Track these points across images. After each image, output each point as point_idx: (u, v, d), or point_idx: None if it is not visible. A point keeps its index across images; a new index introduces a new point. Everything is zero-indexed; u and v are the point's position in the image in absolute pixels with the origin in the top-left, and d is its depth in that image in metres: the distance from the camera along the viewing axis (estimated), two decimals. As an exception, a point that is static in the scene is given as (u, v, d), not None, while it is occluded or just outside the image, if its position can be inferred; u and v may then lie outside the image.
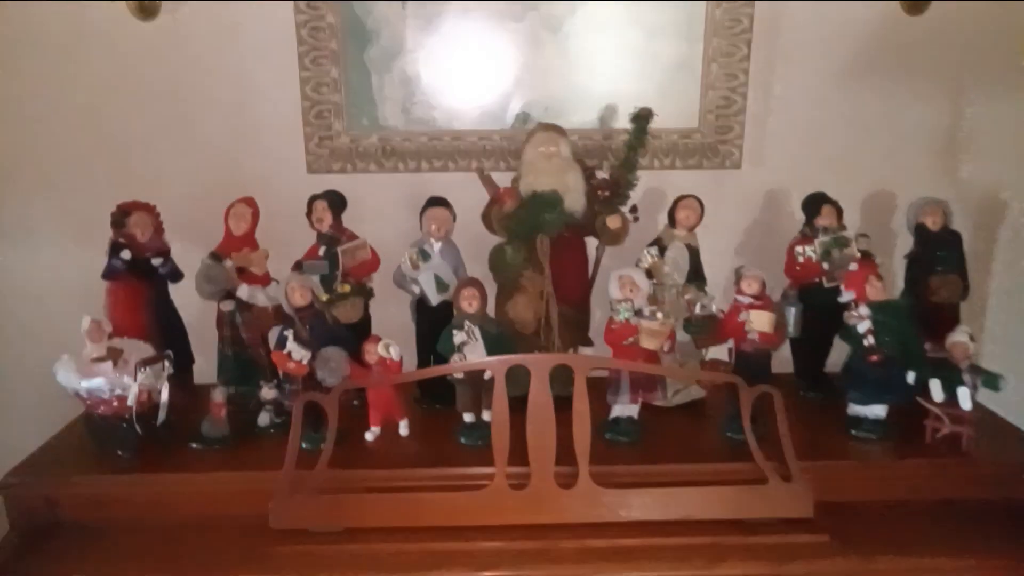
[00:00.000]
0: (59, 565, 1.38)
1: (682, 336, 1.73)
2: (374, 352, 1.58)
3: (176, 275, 1.79)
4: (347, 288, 1.70)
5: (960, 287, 1.74)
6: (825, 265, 1.73)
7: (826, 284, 1.73)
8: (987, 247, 2.03)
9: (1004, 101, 1.91)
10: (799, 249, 1.76)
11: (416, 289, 1.72)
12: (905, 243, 1.85)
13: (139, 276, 1.74)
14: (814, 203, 1.78)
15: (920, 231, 1.78)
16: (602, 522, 1.44)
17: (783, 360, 1.89)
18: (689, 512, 1.45)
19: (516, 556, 1.39)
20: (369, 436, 1.64)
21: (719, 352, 1.71)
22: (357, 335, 1.66)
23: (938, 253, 1.76)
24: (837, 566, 1.38)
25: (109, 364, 1.55)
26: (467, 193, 1.80)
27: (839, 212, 1.77)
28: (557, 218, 1.67)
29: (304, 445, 1.52)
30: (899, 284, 1.84)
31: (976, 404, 1.66)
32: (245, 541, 1.41)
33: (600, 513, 1.44)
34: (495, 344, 1.58)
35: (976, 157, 1.96)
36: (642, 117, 1.71)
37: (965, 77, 1.90)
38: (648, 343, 1.57)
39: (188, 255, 1.77)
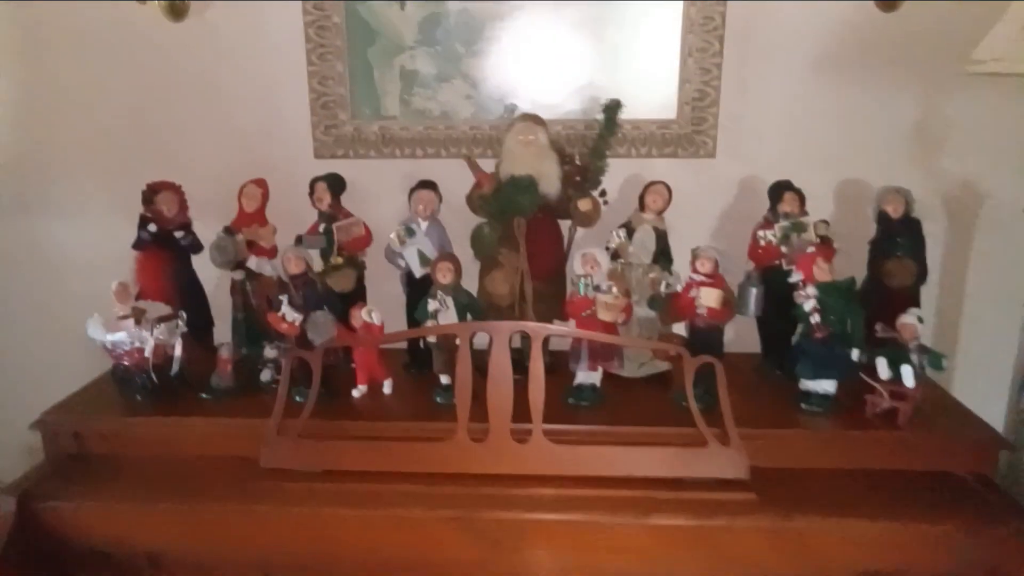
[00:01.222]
0: (82, 487, 1.62)
1: (647, 312, 1.86)
2: (359, 317, 1.77)
3: (196, 247, 2.00)
4: (340, 260, 1.89)
5: (914, 272, 1.82)
6: (784, 249, 1.83)
7: (785, 267, 1.83)
8: (965, 238, 2.08)
9: (975, 94, 1.96)
10: (761, 233, 1.86)
11: (402, 263, 1.90)
12: (878, 231, 1.94)
13: (164, 247, 1.96)
14: (777, 190, 1.88)
15: (882, 218, 1.86)
16: (551, 475, 1.59)
17: (755, 342, 2.00)
18: (631, 470, 1.59)
19: (470, 499, 1.55)
20: (356, 394, 1.82)
21: (682, 328, 1.84)
22: (350, 303, 1.85)
23: (897, 239, 1.83)
24: (756, 522, 1.49)
25: (131, 321, 1.78)
26: (458, 178, 1.97)
27: (801, 199, 1.87)
28: (531, 201, 1.82)
29: (297, 398, 1.72)
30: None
31: (928, 383, 1.75)
32: (238, 476, 1.61)
33: (549, 466, 1.59)
34: (465, 312, 1.75)
35: (950, 149, 2.02)
36: (611, 108, 1.85)
37: (937, 71, 1.96)
38: (604, 315, 1.71)
39: (209, 229, 1.98)
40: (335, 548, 1.56)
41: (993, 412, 1.74)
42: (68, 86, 2.13)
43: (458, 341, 1.72)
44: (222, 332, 2.05)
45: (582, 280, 1.72)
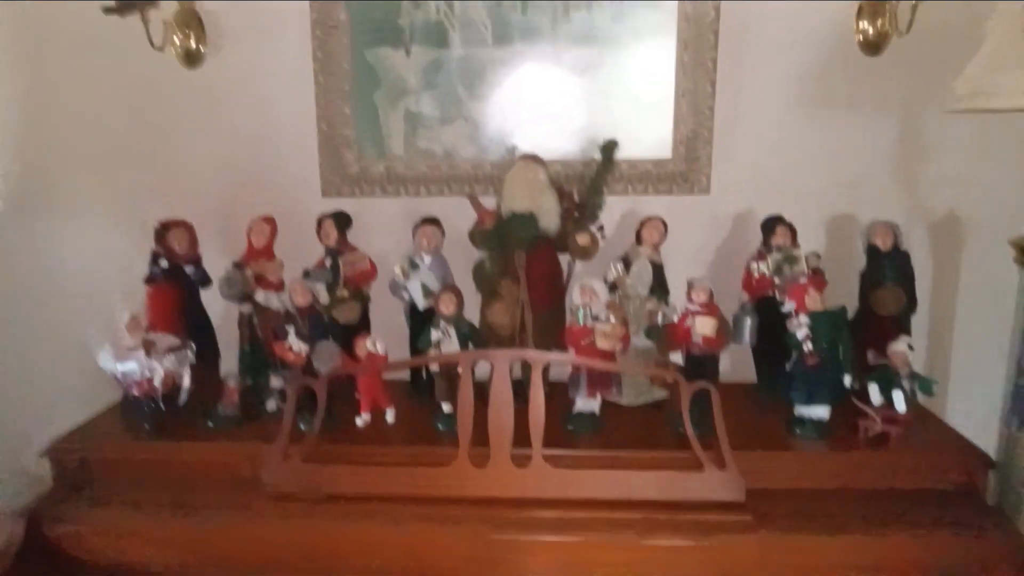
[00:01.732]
0: (89, 509, 1.66)
1: (644, 343, 1.91)
2: (363, 347, 1.82)
3: (206, 281, 2.06)
4: (346, 293, 1.94)
5: (904, 300, 1.87)
6: (777, 280, 1.88)
7: (777, 297, 1.88)
8: (952, 268, 2.14)
9: (956, 129, 2.04)
10: (754, 265, 1.92)
11: (406, 296, 1.96)
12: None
13: (174, 281, 2.02)
14: (770, 224, 1.95)
15: (871, 250, 1.92)
16: (550, 498, 1.61)
17: (751, 370, 2.04)
18: (629, 492, 1.61)
19: (471, 521, 1.58)
20: (359, 421, 1.86)
21: (678, 358, 1.89)
22: (355, 335, 1.90)
23: (887, 271, 1.89)
24: (753, 540, 1.52)
25: (142, 352, 1.83)
26: (460, 215, 2.04)
27: (793, 232, 1.94)
28: (531, 235, 1.88)
29: (302, 426, 1.75)
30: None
31: (918, 407, 1.79)
32: (242, 499, 1.63)
33: (549, 490, 1.62)
34: (467, 342, 1.80)
35: (935, 183, 2.10)
36: (608, 147, 1.93)
37: (918, 108, 2.05)
38: (603, 343, 1.75)
39: (218, 263, 2.04)
40: (336, 567, 1.58)
41: (986, 435, 1.77)
42: (76, 122, 2.22)
43: (460, 369, 1.79)
44: (228, 364, 2.09)
45: (581, 310, 1.78)
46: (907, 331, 1.87)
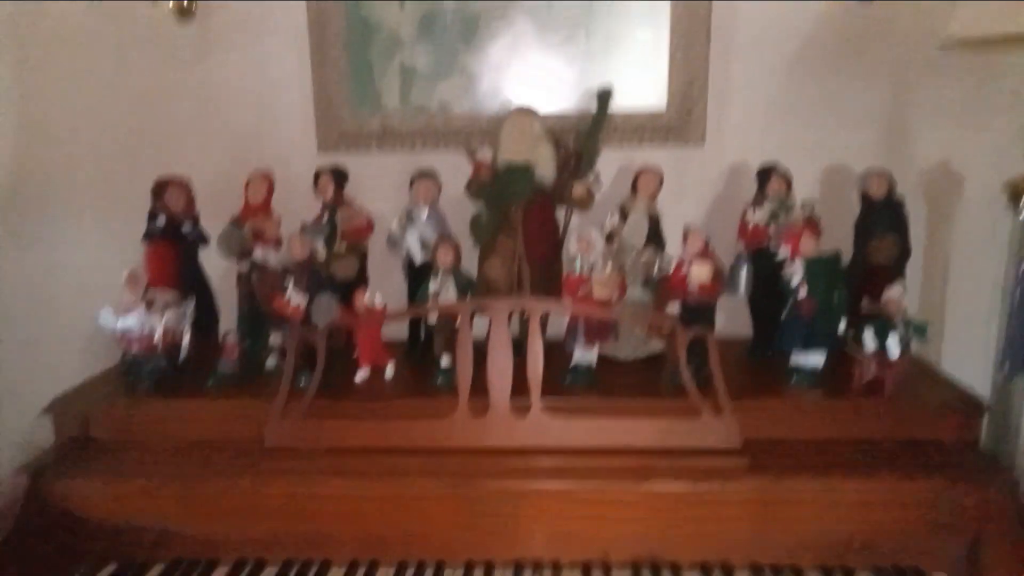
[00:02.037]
0: (92, 467, 1.67)
1: (640, 296, 1.92)
2: (362, 301, 1.82)
3: (203, 239, 2.06)
4: (343, 248, 1.95)
5: (897, 248, 1.88)
6: (772, 228, 1.89)
7: (772, 247, 1.88)
8: (946, 218, 2.15)
9: (949, 78, 2.04)
10: (749, 214, 1.92)
11: (403, 250, 1.96)
12: (863, 214, 2.00)
13: (172, 240, 2.02)
14: (765, 172, 1.95)
15: (865, 198, 1.93)
16: (549, 447, 1.63)
17: (747, 324, 2.06)
18: (627, 440, 1.63)
19: (472, 471, 1.59)
20: (358, 377, 1.87)
21: (675, 310, 1.90)
22: (353, 290, 1.91)
23: (880, 219, 1.90)
24: (749, 485, 1.54)
25: (142, 307, 1.84)
26: (456, 169, 2.03)
27: (788, 181, 1.93)
28: (526, 187, 1.88)
29: (301, 383, 1.77)
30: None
31: (915, 358, 1.80)
32: (243, 456, 1.64)
33: (547, 439, 1.63)
34: (465, 293, 1.80)
35: (928, 133, 2.10)
36: (604, 95, 1.92)
37: (911, 56, 2.04)
38: (600, 292, 1.76)
39: (214, 222, 2.04)
40: (338, 521, 1.60)
41: (981, 382, 1.79)
42: (67, 81, 2.21)
43: (458, 321, 1.80)
44: (227, 325, 2.10)
45: (577, 259, 1.78)
46: (901, 279, 1.88)
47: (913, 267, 1.97)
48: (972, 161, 2.10)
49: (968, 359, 2.08)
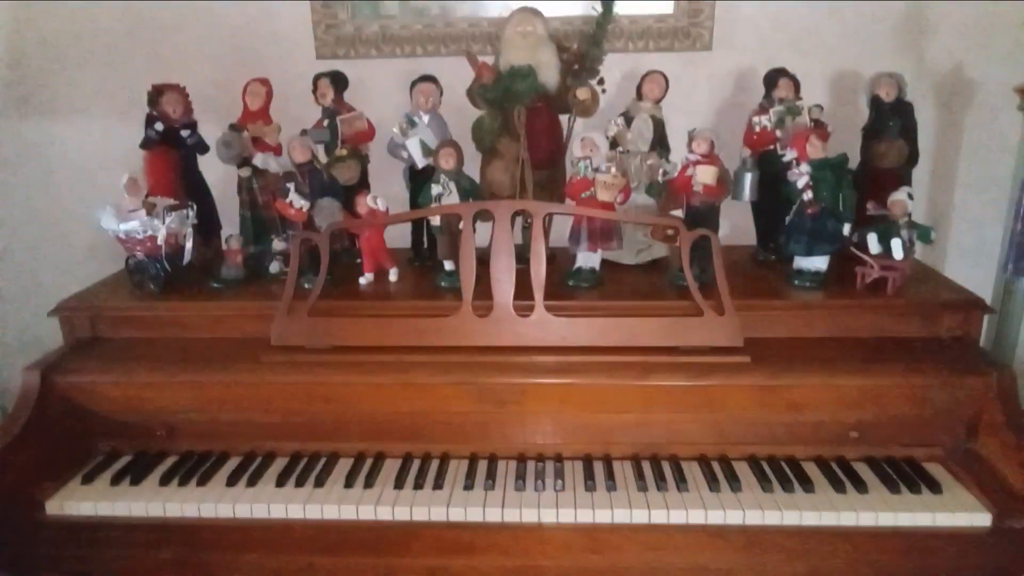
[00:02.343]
0: (101, 363, 1.69)
1: (645, 200, 1.91)
2: (364, 204, 1.82)
3: (202, 146, 2.04)
4: (344, 152, 1.93)
5: (906, 152, 1.86)
6: (779, 133, 1.87)
7: (779, 151, 1.87)
8: (955, 124, 2.13)
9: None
10: (756, 119, 1.90)
11: (405, 155, 1.94)
12: (872, 120, 1.97)
13: (171, 146, 2.00)
14: (772, 77, 1.92)
15: (875, 102, 1.90)
16: (552, 346, 1.65)
17: (751, 232, 2.05)
18: (630, 339, 1.64)
19: (474, 367, 1.61)
20: (363, 281, 1.88)
21: (679, 215, 1.89)
22: (353, 194, 1.90)
23: (889, 123, 1.87)
24: (749, 379, 1.56)
25: (143, 211, 1.83)
26: (457, 74, 2.00)
27: (796, 85, 1.91)
28: (529, 88, 1.84)
29: (306, 285, 1.77)
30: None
31: (915, 260, 1.81)
32: (250, 353, 1.66)
33: (551, 338, 1.64)
34: (468, 196, 1.79)
35: (940, 38, 2.06)
36: (608, -5, 1.88)
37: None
38: (603, 195, 1.75)
39: (213, 132, 2.01)
40: (344, 414, 1.63)
41: (983, 289, 1.80)
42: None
43: (461, 226, 1.80)
44: (228, 232, 2.10)
45: (581, 162, 1.77)
46: (908, 183, 1.87)
47: (921, 171, 1.96)
48: (984, 66, 2.06)
49: (973, 263, 2.09)
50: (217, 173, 2.07)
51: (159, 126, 1.98)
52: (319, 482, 1.55)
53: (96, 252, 2.16)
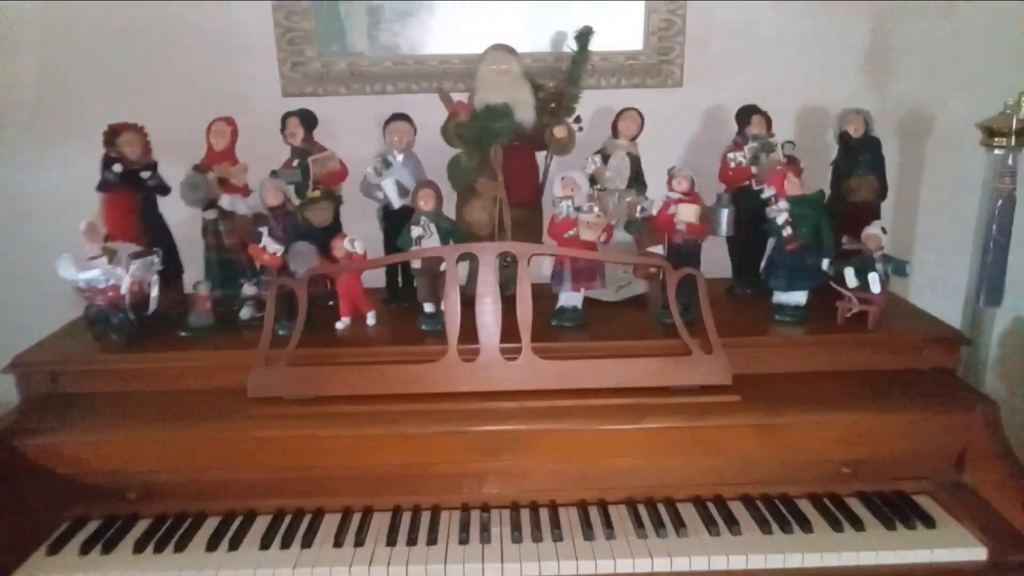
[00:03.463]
0: (66, 422, 1.58)
1: (624, 237, 1.90)
2: (341, 247, 1.76)
3: (164, 188, 1.95)
4: (317, 193, 1.87)
5: (877, 187, 1.90)
6: (754, 169, 1.89)
7: (755, 187, 1.89)
8: (917, 157, 2.19)
9: (926, 22, 2.06)
10: (731, 156, 1.92)
11: (380, 195, 1.89)
12: (838, 155, 2.02)
13: (130, 188, 1.91)
14: (745, 113, 1.95)
15: (843, 138, 1.94)
16: (542, 389, 1.62)
17: (724, 267, 2.06)
18: (619, 380, 1.63)
19: (464, 414, 1.57)
20: (339, 326, 1.82)
21: (659, 251, 1.88)
22: (328, 237, 1.84)
23: (859, 158, 1.92)
24: (744, 420, 1.56)
25: (104, 259, 1.74)
26: (429, 112, 1.97)
27: (768, 122, 1.94)
28: (507, 127, 1.83)
29: (280, 332, 1.70)
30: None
31: (888, 292, 1.84)
32: (225, 407, 1.59)
33: (540, 381, 1.62)
34: (448, 238, 1.76)
35: (902, 75, 2.13)
36: (584, 35, 1.88)
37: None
38: (586, 234, 1.74)
39: (174, 173, 1.93)
40: (331, 467, 1.56)
41: (945, 315, 1.84)
42: (24, 22, 2.06)
43: (442, 267, 1.76)
44: (192, 278, 2.01)
45: (564, 202, 1.75)
46: (878, 217, 1.91)
47: (885, 204, 2.00)
48: (944, 101, 2.13)
49: (934, 293, 2.14)
50: (179, 215, 1.99)
51: (117, 167, 1.89)
52: (306, 542, 1.47)
53: (49, 298, 2.03)
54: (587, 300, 1.87)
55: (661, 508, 1.55)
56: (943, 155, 2.18)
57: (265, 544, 1.47)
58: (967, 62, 2.12)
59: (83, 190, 1.92)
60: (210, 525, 1.53)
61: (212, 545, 1.47)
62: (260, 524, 1.53)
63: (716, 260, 2.07)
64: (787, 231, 1.75)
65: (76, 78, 2.10)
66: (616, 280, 1.94)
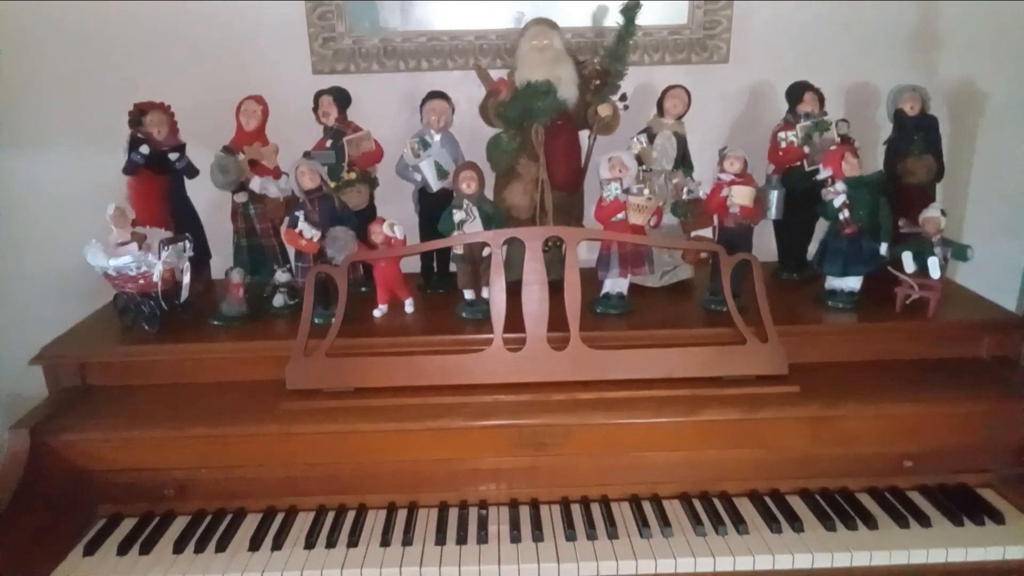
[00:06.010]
0: (97, 418, 1.52)
1: (670, 220, 1.83)
2: (379, 232, 1.69)
3: (191, 170, 1.88)
4: (353, 175, 1.80)
5: (935, 167, 1.82)
6: (806, 149, 1.81)
7: (807, 167, 1.81)
8: (968, 135, 2.11)
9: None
10: (781, 135, 1.84)
11: (418, 177, 1.82)
12: (887, 134, 1.93)
13: (157, 171, 1.84)
14: (797, 90, 1.86)
15: (899, 116, 1.86)
16: (591, 380, 1.56)
17: (768, 251, 1.99)
18: (671, 370, 1.56)
19: (512, 407, 1.51)
20: (377, 313, 1.75)
21: (707, 235, 1.81)
22: (363, 221, 1.77)
23: (915, 137, 1.83)
24: (803, 412, 1.49)
25: (134, 245, 1.68)
26: (465, 90, 1.89)
27: (821, 99, 1.86)
28: (549, 106, 1.75)
29: (316, 320, 1.64)
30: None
31: (945, 278, 1.77)
32: (263, 400, 1.53)
33: (589, 372, 1.56)
34: (492, 222, 1.69)
35: (950, 49, 2.04)
36: (631, 8, 1.78)
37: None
38: (635, 218, 1.67)
39: (202, 156, 1.86)
40: (372, 464, 1.51)
41: (1000, 302, 1.78)
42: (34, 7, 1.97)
43: (484, 252, 1.69)
44: (220, 268, 1.95)
45: (612, 184, 1.68)
46: (933, 199, 1.83)
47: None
48: (995, 78, 2.05)
49: (981, 277, 2.06)
50: (206, 198, 1.92)
51: (144, 149, 1.82)
52: (352, 542, 1.42)
53: (70, 286, 1.97)
54: (630, 286, 1.80)
55: (717, 503, 1.50)
56: (993, 133, 2.09)
57: (310, 543, 1.42)
58: (1018, 38, 2.03)
59: (98, 179, 1.85)
60: (250, 523, 1.48)
61: (255, 544, 1.42)
62: (302, 521, 1.49)
63: (759, 244, 2.01)
64: (844, 214, 1.67)
65: (97, 55, 2.01)
66: (661, 265, 1.87)
